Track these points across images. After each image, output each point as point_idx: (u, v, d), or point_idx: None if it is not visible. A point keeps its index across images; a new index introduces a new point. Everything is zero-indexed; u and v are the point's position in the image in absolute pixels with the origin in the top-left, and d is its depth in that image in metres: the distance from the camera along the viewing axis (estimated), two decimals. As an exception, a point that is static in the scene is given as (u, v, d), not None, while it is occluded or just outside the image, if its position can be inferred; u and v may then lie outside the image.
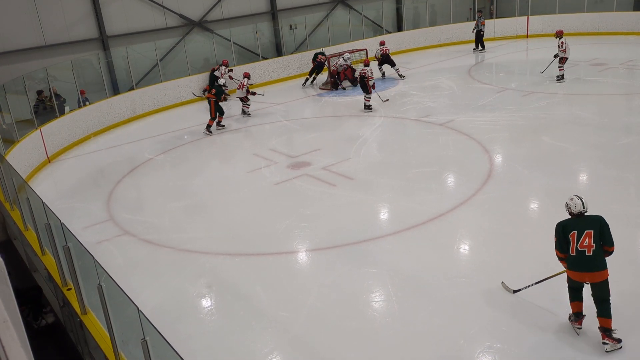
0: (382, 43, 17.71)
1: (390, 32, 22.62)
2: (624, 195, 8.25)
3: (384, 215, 8.63)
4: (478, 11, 21.03)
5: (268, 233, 8.05)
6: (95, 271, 4.76)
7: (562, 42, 14.39)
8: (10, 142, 11.87)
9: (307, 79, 17.87)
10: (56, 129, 13.36)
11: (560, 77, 14.58)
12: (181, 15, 18.37)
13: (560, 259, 5.15)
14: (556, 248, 5.12)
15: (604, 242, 4.92)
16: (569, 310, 5.32)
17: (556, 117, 11.95)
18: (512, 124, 11.92)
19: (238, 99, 14.89)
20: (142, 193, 10.62)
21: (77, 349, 6.36)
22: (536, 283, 5.78)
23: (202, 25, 18.90)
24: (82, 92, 15.00)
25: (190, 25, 18.65)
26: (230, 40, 18.78)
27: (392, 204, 8.83)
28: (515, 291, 5.90)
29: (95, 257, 4.79)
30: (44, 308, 7.55)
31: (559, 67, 14.61)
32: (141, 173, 11.44)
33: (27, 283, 7.92)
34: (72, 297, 5.87)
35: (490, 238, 7.33)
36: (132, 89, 16.64)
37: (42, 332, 7.27)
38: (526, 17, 21.99)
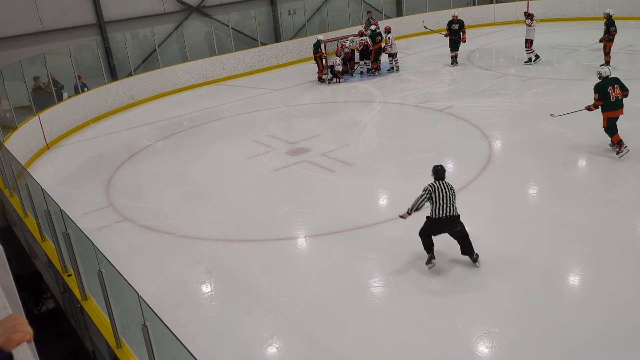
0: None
1: (389, 17, 22.49)
2: (622, 181, 8.26)
3: (383, 201, 8.64)
4: (368, 12, 19.85)
5: (267, 219, 8.06)
6: (95, 257, 4.78)
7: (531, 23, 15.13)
8: (8, 128, 11.85)
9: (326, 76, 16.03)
10: (55, 116, 13.33)
11: (529, 61, 15.41)
12: (179, 1, 18.22)
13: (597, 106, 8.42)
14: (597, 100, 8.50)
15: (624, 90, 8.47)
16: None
17: (555, 103, 11.89)
18: (511, 109, 11.89)
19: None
20: (141, 179, 10.62)
21: (77, 334, 6.40)
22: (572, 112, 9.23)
23: (200, 10, 18.77)
24: (79, 78, 14.93)
25: (188, 10, 18.52)
26: (228, 26, 18.66)
27: (391, 190, 8.83)
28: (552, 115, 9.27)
29: (95, 243, 4.80)
30: (45, 294, 7.59)
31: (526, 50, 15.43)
32: (140, 159, 11.43)
33: (28, 269, 7.95)
34: (72, 283, 5.89)
35: (489, 223, 7.35)
36: (130, 75, 16.57)
37: (42, 318, 7.32)
38: (526, 1, 21.84)
